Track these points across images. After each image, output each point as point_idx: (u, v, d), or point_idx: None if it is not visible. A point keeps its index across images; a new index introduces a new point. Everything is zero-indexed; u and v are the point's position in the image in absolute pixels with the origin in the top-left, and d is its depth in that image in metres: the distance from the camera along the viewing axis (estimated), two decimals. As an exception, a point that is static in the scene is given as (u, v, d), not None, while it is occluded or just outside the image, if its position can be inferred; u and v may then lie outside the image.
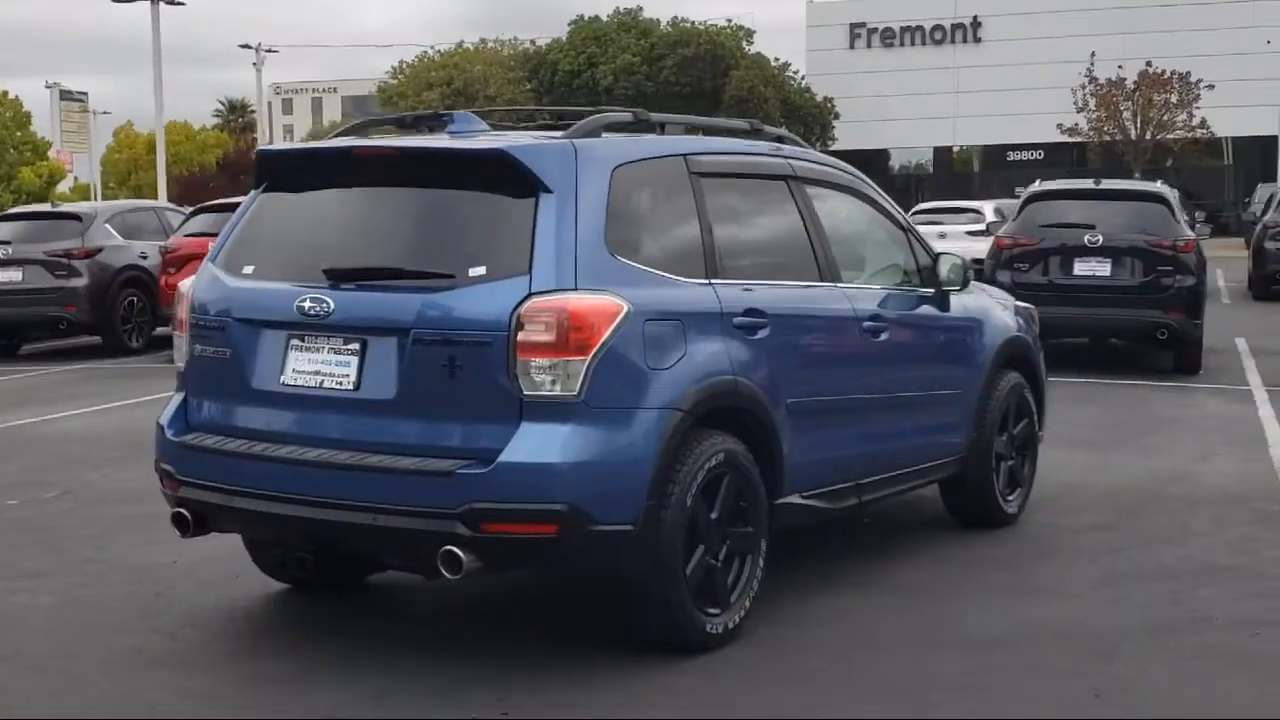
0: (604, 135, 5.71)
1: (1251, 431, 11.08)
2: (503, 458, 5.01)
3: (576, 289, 5.12)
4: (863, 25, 55.49)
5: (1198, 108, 44.63)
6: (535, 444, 5.03)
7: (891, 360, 6.82)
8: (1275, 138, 50.82)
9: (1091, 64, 45.89)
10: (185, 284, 5.96)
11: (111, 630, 6.01)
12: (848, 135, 52.63)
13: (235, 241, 5.89)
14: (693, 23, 48.95)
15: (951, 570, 6.90)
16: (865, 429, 6.58)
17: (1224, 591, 6.48)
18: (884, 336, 6.73)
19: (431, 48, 51.16)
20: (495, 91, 47.82)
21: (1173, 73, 44.93)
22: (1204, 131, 45.03)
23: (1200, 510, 8.19)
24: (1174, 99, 44.93)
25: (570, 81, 48.49)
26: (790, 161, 6.67)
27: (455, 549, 4.99)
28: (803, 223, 6.51)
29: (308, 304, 5.38)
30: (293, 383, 5.46)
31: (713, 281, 5.75)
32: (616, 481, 5.16)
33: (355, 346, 5.34)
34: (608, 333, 5.12)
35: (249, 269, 5.71)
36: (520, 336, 5.04)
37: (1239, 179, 51.35)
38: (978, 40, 54.26)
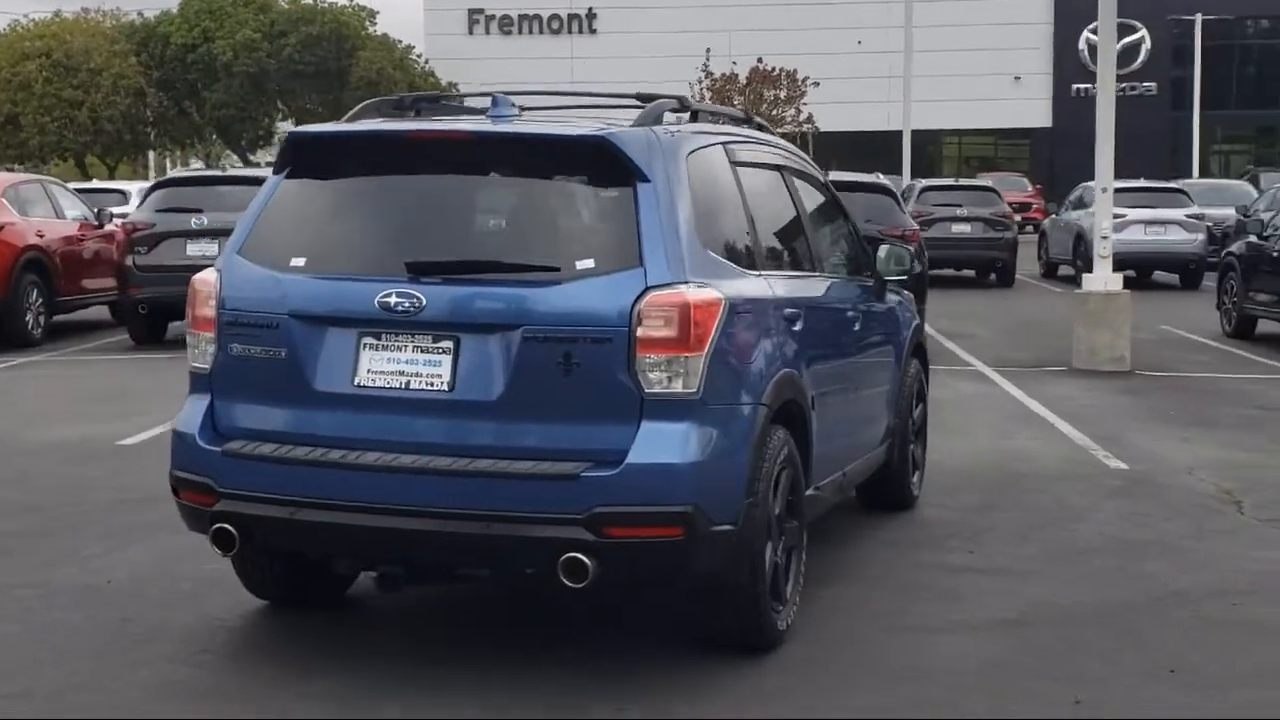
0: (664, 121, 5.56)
1: (1022, 411, 11.85)
2: (631, 459, 4.83)
3: (688, 282, 4.99)
4: (481, 11, 55.58)
5: (805, 104, 46.97)
6: (661, 444, 4.87)
7: (861, 350, 6.97)
8: (880, 132, 54.36)
9: (707, 59, 47.52)
10: (206, 277, 5.42)
11: (103, 661, 5.43)
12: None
13: (264, 231, 5.39)
14: (314, 1, 47.82)
15: (904, 555, 7.11)
16: (848, 419, 6.70)
17: (1166, 565, 6.95)
18: (857, 327, 6.88)
19: (25, 16, 47.63)
20: (101, 64, 45.13)
21: (781, 70, 47.14)
22: (811, 126, 47.44)
23: (1061, 488, 8.72)
24: (783, 95, 47.18)
25: (184, 56, 46.32)
26: (781, 151, 6.70)
27: (580, 556, 4.78)
28: (798, 213, 6.57)
29: (393, 299, 5.00)
30: (370, 384, 5.07)
31: (761, 273, 5.72)
32: (726, 480, 5.09)
33: (447, 345, 5.01)
34: (715, 327, 5.02)
35: (299, 261, 5.25)
36: (640, 332, 4.87)
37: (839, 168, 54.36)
38: (593, 31, 55.33)
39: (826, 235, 7.05)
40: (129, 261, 16.00)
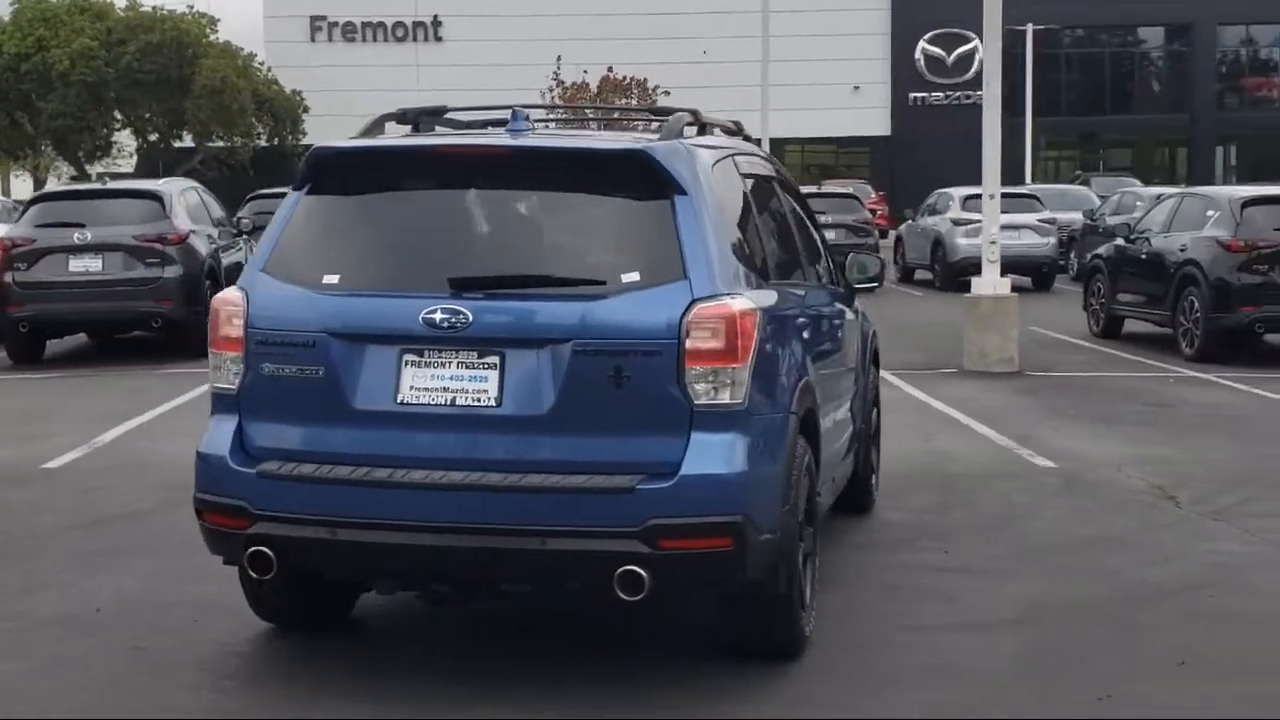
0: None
1: (933, 412, 12.09)
2: (685, 470, 4.88)
3: (729, 294, 5.06)
4: (323, 19, 54.80)
5: (656, 112, 47.39)
6: (712, 455, 4.93)
7: (843, 358, 7.12)
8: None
9: (558, 67, 47.62)
10: (230, 295, 5.32)
11: (130, 692, 5.31)
12: (318, 130, 51.87)
13: (288, 248, 5.32)
14: (152, 8, 46.64)
15: (881, 557, 7.27)
16: (836, 425, 6.82)
17: (1128, 560, 7.22)
18: (840, 335, 7.03)
19: None
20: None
21: (632, 79, 47.46)
22: (662, 135, 47.89)
23: (1001, 487, 8.99)
24: (634, 103, 47.46)
25: (18, 66, 44.80)
26: (770, 163, 6.81)
27: (637, 568, 4.82)
28: (791, 224, 6.69)
29: (439, 315, 4.97)
30: (414, 401, 5.04)
31: (773, 283, 5.81)
32: (769, 489, 5.17)
33: (492, 360, 5.00)
34: (755, 338, 5.10)
35: (331, 279, 5.19)
36: (689, 344, 4.92)
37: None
38: (439, 39, 54.95)
39: (810, 245, 7.18)
40: (8, 278, 15.39)
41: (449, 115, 6.18)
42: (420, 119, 6.05)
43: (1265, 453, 10.31)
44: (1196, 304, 15.98)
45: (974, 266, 16.43)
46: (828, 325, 6.78)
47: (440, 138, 5.71)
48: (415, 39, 55.38)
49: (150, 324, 15.72)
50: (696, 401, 4.92)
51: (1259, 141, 58.38)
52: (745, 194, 5.92)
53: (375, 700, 5.18)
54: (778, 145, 55.66)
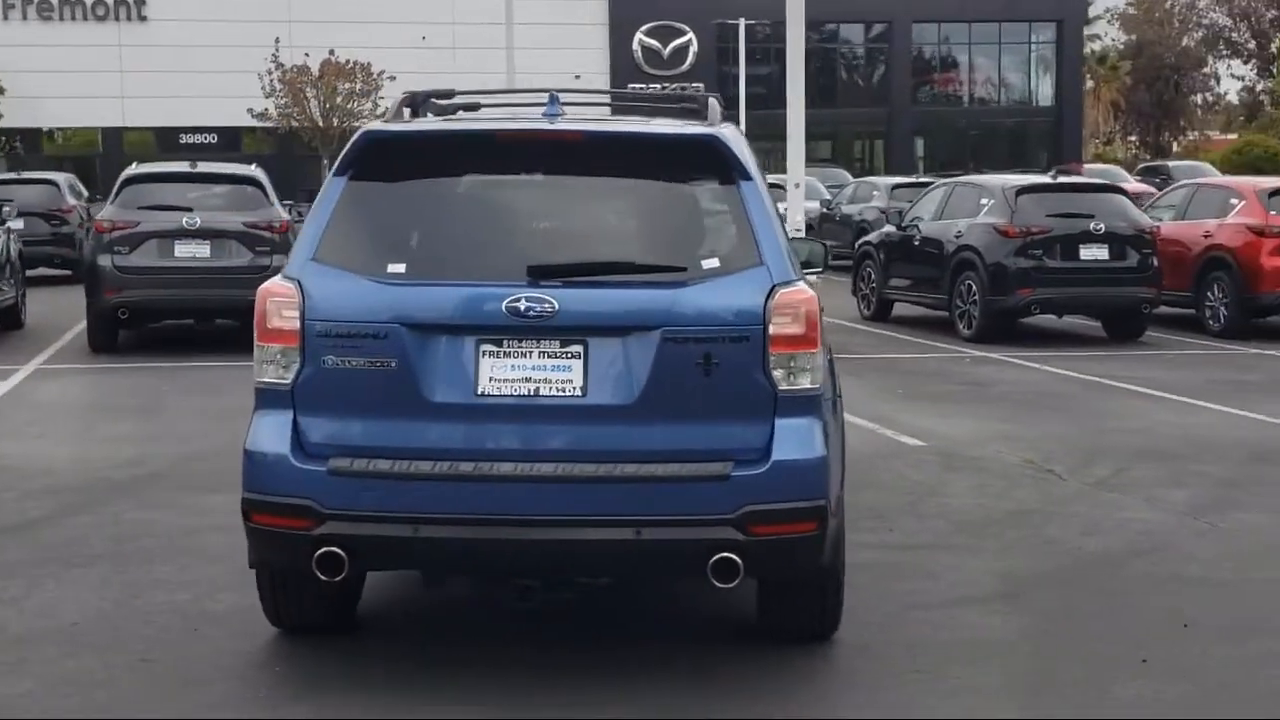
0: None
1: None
2: (776, 456, 4.89)
3: (800, 279, 5.10)
4: (15, -4, 51.86)
5: (381, 97, 46.60)
6: (798, 440, 4.96)
7: None
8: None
9: (276, 49, 46.43)
10: (280, 286, 5.03)
11: (168, 710, 4.99)
12: (15, 112, 49.02)
13: (338, 237, 5.06)
14: None
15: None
16: None
17: (1061, 531, 7.56)
18: None
19: None
20: None
21: (355, 63, 46.62)
22: (387, 121, 47.17)
23: (892, 466, 9.28)
24: (358, 88, 46.69)
25: None
26: None
27: (732, 556, 4.81)
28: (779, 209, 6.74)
29: (523, 304, 4.83)
30: (494, 393, 4.88)
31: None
32: (836, 473, 5.24)
33: (576, 349, 4.89)
34: (821, 322, 5.15)
35: (397, 267, 4.97)
36: (773, 330, 4.93)
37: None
38: (143, 19, 52.44)
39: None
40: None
41: (459, 100, 5.99)
42: (429, 103, 5.84)
43: (1099, 426, 10.94)
44: (974, 287, 16.80)
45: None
46: None
47: (500, 122, 5.54)
48: (117, 18, 52.84)
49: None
50: (780, 387, 4.94)
51: (947, 134, 61.56)
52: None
53: (419, 698, 5.03)
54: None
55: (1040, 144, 61.30)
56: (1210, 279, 17.58)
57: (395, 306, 4.90)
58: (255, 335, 5.08)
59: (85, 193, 27.47)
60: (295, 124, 47.11)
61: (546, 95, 5.51)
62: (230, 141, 52.04)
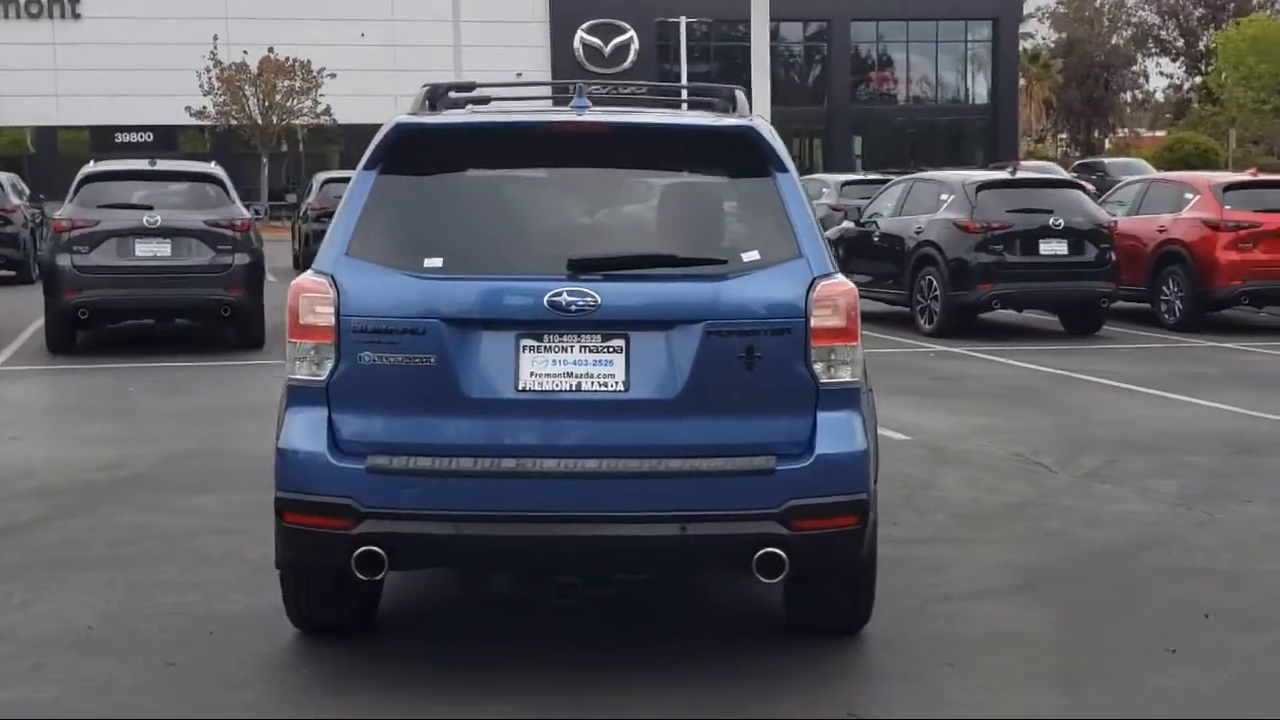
0: None
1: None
2: (820, 450, 4.87)
3: (838, 271, 5.08)
4: (-53, -6, 50.96)
5: (321, 95, 46.28)
6: (840, 434, 4.95)
7: None
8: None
9: (215, 47, 45.93)
10: (313, 281, 4.94)
11: (205, 712, 4.90)
12: (-53, 111, 48.46)
13: (370, 231, 4.98)
14: None
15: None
16: None
17: (1063, 523, 7.59)
18: None
19: None
20: None
21: (295, 60, 46.21)
22: (329, 119, 46.80)
23: (881, 459, 9.25)
24: (298, 85, 46.29)
25: None
26: None
27: (777, 551, 4.78)
28: None
29: (564, 298, 4.77)
30: (535, 388, 4.82)
31: None
32: (874, 466, 5.21)
33: (618, 343, 4.84)
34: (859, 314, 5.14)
35: (434, 261, 4.90)
36: (814, 322, 4.91)
37: (355, 164, 53.98)
38: (77, 16, 51.75)
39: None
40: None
41: (479, 93, 5.92)
42: (448, 96, 5.75)
43: (1078, 419, 11.02)
44: (935, 282, 16.89)
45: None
46: None
47: (534, 114, 5.48)
48: (51, 15, 52.09)
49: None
50: (821, 380, 4.92)
51: (884, 131, 61.93)
52: None
53: (451, 697, 4.97)
54: (437, 131, 55.53)
55: (977, 142, 61.82)
56: (1165, 273, 17.78)
57: (434, 301, 4.83)
58: (287, 332, 4.99)
59: (28, 191, 27.01)
60: (234, 122, 46.64)
61: (573, 88, 5.44)
62: (167, 140, 51.42)
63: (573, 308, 4.79)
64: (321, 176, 28.09)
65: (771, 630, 5.69)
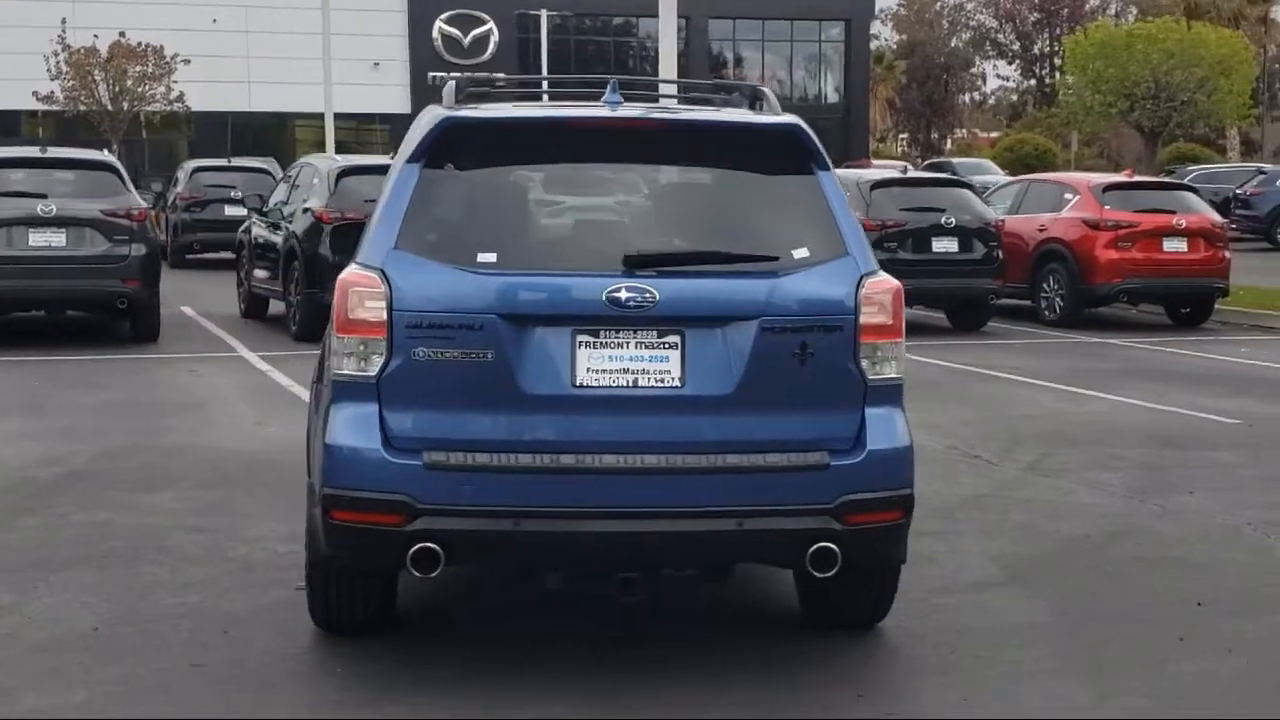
0: None
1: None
2: (871, 445, 4.93)
3: (880, 268, 5.14)
4: None
5: (175, 81, 45.07)
6: (888, 429, 5.01)
7: None
8: (248, 113, 53.19)
9: (63, 31, 44.41)
10: (362, 275, 4.83)
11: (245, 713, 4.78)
12: None
13: (419, 225, 4.89)
14: None
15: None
16: None
17: (1028, 516, 7.78)
18: None
19: None
20: None
21: (147, 45, 44.94)
22: (181, 105, 45.62)
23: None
24: (149, 70, 45.01)
25: None
26: None
27: (831, 545, 4.83)
28: None
29: (624, 294, 4.75)
30: (592, 384, 4.79)
31: None
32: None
33: (673, 339, 4.83)
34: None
35: (488, 257, 4.83)
36: (863, 319, 4.96)
37: (208, 151, 52.68)
38: (-89, -6, 49.92)
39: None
40: None
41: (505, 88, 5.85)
42: (475, 89, 5.65)
43: (1000, 413, 11.34)
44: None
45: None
46: None
47: (581, 109, 5.41)
48: (-114, -7, 49.99)
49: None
50: (870, 376, 4.98)
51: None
52: None
53: (487, 695, 4.93)
54: (284, 119, 54.48)
55: (828, 141, 61.12)
56: (1046, 271, 18.29)
57: (490, 297, 4.77)
58: (333, 326, 4.88)
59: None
60: (83, 107, 45.22)
61: (608, 83, 5.41)
62: (9, 125, 49.72)
63: (632, 304, 4.77)
64: (190, 165, 27.40)
65: (782, 624, 5.74)
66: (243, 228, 17.90)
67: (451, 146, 5.04)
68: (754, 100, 5.72)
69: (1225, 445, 10.01)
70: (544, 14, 51.29)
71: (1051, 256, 18.29)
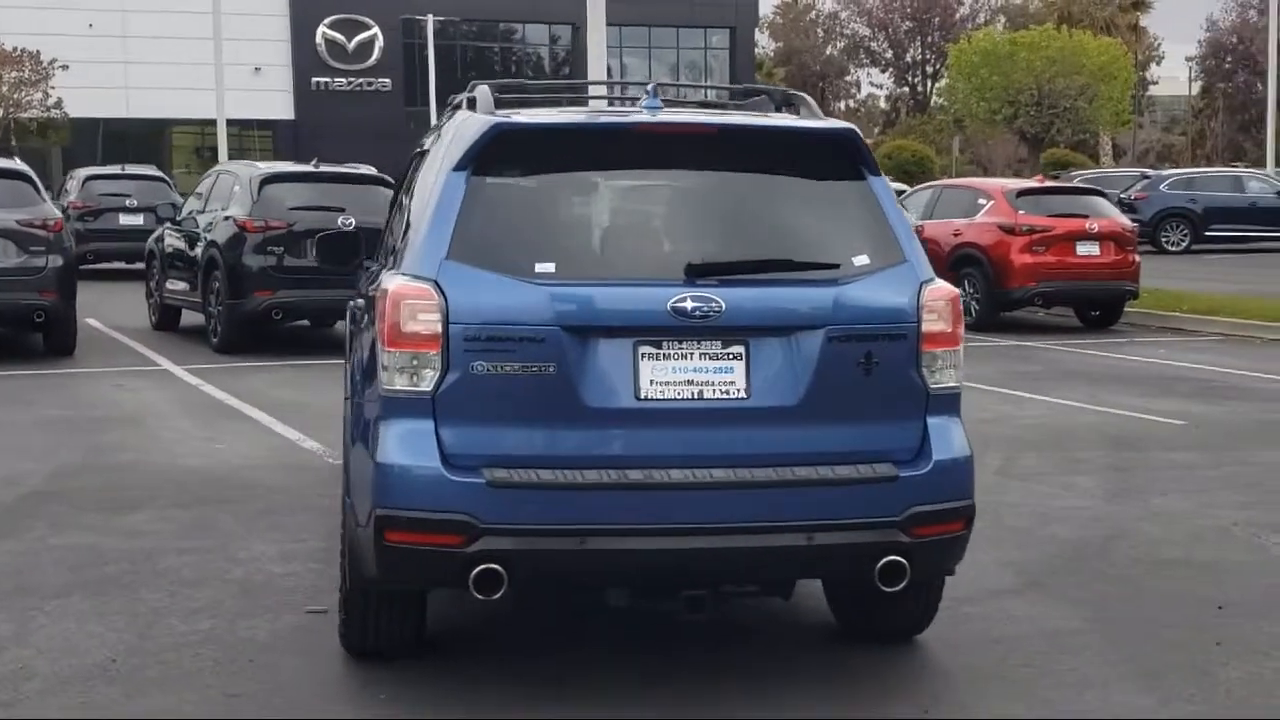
0: None
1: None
2: (937, 456, 4.84)
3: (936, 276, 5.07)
4: None
5: (52, 87, 43.90)
6: (951, 439, 4.93)
7: None
8: (125, 119, 51.91)
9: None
10: (414, 287, 4.62)
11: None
12: None
13: (470, 234, 4.70)
14: None
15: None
16: None
17: (1022, 521, 7.77)
18: None
19: None
20: None
21: (24, 50, 43.72)
22: (59, 112, 44.46)
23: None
24: (26, 76, 43.78)
25: None
26: None
27: (899, 558, 4.73)
28: None
29: (689, 304, 4.61)
30: (656, 397, 4.64)
31: None
32: None
33: (738, 350, 4.70)
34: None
35: (546, 267, 4.66)
36: (924, 327, 4.88)
37: (81, 159, 51.37)
38: None
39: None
40: None
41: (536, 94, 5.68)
42: (505, 95, 5.46)
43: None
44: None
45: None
46: None
47: (633, 115, 5.25)
48: None
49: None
50: (932, 385, 4.90)
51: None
52: None
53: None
54: (161, 125, 53.31)
55: None
56: (962, 275, 18.46)
57: (551, 308, 4.60)
58: (383, 341, 4.66)
59: None
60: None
61: (648, 89, 5.26)
62: None
63: (697, 314, 4.64)
64: (82, 173, 26.62)
65: (815, 635, 5.67)
66: (154, 236, 17.44)
67: (501, 153, 4.86)
68: (783, 105, 5.63)
69: (1179, 446, 10.12)
70: (430, 19, 50.85)
71: (967, 261, 18.49)
